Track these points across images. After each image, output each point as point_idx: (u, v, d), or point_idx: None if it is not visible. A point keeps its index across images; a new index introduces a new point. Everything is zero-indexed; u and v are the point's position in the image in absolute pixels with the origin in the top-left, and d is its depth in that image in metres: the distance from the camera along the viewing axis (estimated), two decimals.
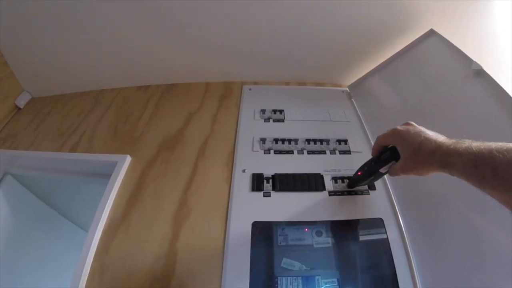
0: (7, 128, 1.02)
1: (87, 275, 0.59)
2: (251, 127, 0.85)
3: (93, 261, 0.61)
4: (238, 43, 0.95)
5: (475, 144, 0.37)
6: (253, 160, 0.75)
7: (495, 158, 0.34)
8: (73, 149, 0.87)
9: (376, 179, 0.63)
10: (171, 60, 1.01)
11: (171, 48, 0.97)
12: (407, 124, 0.50)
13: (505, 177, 0.32)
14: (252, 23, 0.88)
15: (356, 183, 0.67)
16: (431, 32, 0.81)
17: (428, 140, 0.44)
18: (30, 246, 1.05)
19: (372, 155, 0.57)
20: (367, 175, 0.60)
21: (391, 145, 0.52)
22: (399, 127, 0.50)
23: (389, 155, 0.52)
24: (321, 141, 0.80)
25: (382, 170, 0.54)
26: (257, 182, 0.70)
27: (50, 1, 0.85)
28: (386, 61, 0.89)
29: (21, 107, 1.09)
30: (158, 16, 0.87)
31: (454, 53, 0.72)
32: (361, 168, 0.62)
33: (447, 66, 0.74)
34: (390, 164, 0.52)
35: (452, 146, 0.40)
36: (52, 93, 1.13)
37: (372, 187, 0.70)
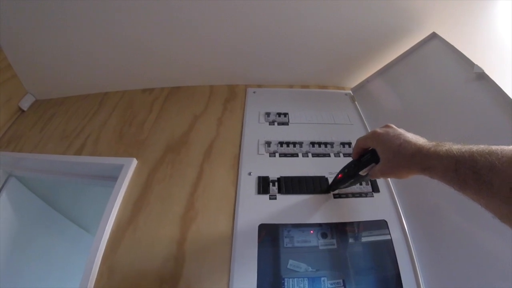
0: (11, 130, 1.02)
1: (95, 276, 0.60)
2: (256, 130, 0.86)
3: (101, 263, 0.62)
4: (242, 46, 0.95)
5: (455, 147, 0.37)
6: (258, 163, 0.76)
7: (477, 161, 0.33)
8: (78, 152, 0.87)
9: (356, 182, 0.63)
10: (175, 63, 1.02)
11: (175, 51, 0.97)
12: (387, 126, 0.50)
13: (487, 181, 0.31)
14: (255, 26, 0.89)
15: (337, 186, 0.67)
16: (433, 35, 0.82)
17: (407, 142, 0.44)
18: (34, 248, 1.05)
19: (352, 157, 0.57)
20: (347, 178, 0.60)
21: (371, 148, 0.52)
22: (378, 130, 0.50)
23: (368, 158, 0.52)
24: (326, 144, 0.81)
25: (362, 173, 0.54)
26: (263, 185, 0.71)
27: (54, 3, 0.85)
28: (388, 64, 0.90)
29: (25, 109, 1.09)
30: (162, 19, 0.87)
31: (456, 56, 0.72)
32: (342, 171, 0.62)
33: (449, 69, 0.75)
34: (370, 166, 0.52)
35: (432, 149, 0.40)
36: (56, 96, 1.13)
37: (376, 190, 0.70)
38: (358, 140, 0.54)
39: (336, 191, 0.70)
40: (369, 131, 0.83)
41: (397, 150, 0.45)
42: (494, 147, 0.32)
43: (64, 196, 1.16)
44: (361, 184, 0.71)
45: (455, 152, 0.36)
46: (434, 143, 0.41)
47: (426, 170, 0.40)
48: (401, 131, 0.47)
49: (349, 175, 0.59)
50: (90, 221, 1.24)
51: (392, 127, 0.49)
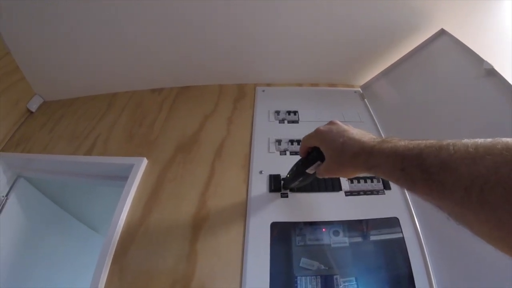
0: (20, 131, 1.03)
1: (106, 277, 0.60)
2: (266, 128, 0.86)
3: (111, 263, 0.62)
4: (250, 45, 0.95)
5: (402, 143, 0.34)
6: (269, 161, 0.76)
7: (425, 159, 0.29)
8: (88, 152, 0.87)
9: (306, 180, 0.60)
10: (184, 63, 1.02)
11: (184, 50, 0.97)
12: (331, 123, 0.48)
13: (438, 181, 0.27)
14: (263, 25, 0.89)
15: (288, 184, 0.66)
16: (442, 32, 0.81)
17: (351, 140, 0.42)
18: (43, 248, 1.05)
19: (300, 156, 0.56)
20: (296, 176, 0.59)
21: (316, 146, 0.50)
22: (321, 127, 0.48)
23: (314, 156, 0.50)
24: None
25: (309, 171, 0.53)
26: (275, 183, 0.70)
27: (62, 5, 0.85)
28: (397, 61, 0.90)
29: (33, 110, 1.09)
30: (170, 19, 0.87)
31: (465, 53, 0.72)
32: (291, 169, 0.60)
33: (458, 65, 0.75)
34: (316, 164, 0.51)
35: (376, 146, 0.37)
36: (64, 97, 1.13)
37: (387, 187, 0.70)
38: (303, 139, 0.52)
39: (348, 189, 0.70)
40: (380, 129, 0.84)
41: (340, 149, 0.43)
42: (445, 142, 0.29)
43: (73, 197, 1.16)
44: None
45: (401, 149, 0.33)
46: (379, 139, 0.39)
47: (372, 169, 0.38)
48: (346, 127, 0.45)
49: (297, 173, 0.58)
50: (99, 221, 1.24)
51: (336, 124, 0.47)
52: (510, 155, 0.23)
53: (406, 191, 0.69)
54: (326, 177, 0.50)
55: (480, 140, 0.26)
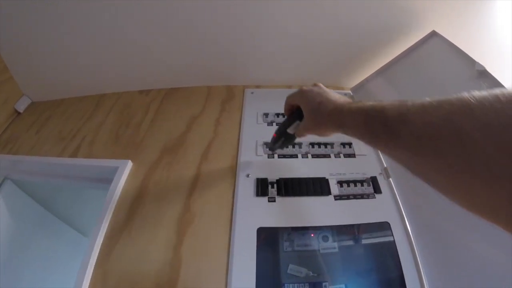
0: (7, 132, 1.01)
1: (89, 281, 0.58)
2: (254, 131, 0.84)
3: (95, 268, 0.60)
4: (239, 46, 0.94)
5: (369, 103, 0.36)
6: (257, 165, 0.75)
7: (386, 113, 0.31)
8: (74, 154, 0.86)
9: (288, 141, 0.62)
10: (172, 64, 1.00)
11: (172, 51, 0.96)
12: (314, 85, 0.51)
13: (395, 132, 0.29)
14: (253, 26, 0.88)
15: (273, 146, 0.66)
16: (433, 33, 0.81)
17: (327, 100, 0.45)
18: (31, 253, 1.03)
19: (285, 115, 0.59)
20: (279, 136, 0.60)
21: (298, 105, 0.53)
22: (304, 87, 0.51)
23: (295, 116, 0.53)
24: (326, 144, 0.79)
25: (289, 131, 0.56)
26: (262, 187, 0.69)
27: (50, 4, 0.84)
28: (388, 63, 0.89)
29: (21, 111, 1.07)
30: (159, 20, 0.86)
31: (457, 54, 0.71)
32: (276, 130, 0.62)
33: (450, 67, 0.74)
34: (295, 124, 0.54)
35: (347, 106, 0.40)
36: (52, 98, 1.11)
37: (378, 191, 0.69)
38: (287, 96, 0.56)
39: (337, 193, 0.68)
40: None
41: (317, 108, 0.46)
42: (406, 100, 0.30)
43: (61, 200, 1.14)
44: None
45: (366, 107, 0.36)
46: (352, 102, 0.42)
47: (341, 127, 0.42)
48: (327, 90, 0.49)
49: (279, 132, 0.59)
50: (88, 225, 1.22)
51: (318, 86, 0.50)
52: (461, 104, 0.23)
53: (396, 194, 0.68)
54: (305, 135, 0.53)
55: (438, 97, 0.27)
